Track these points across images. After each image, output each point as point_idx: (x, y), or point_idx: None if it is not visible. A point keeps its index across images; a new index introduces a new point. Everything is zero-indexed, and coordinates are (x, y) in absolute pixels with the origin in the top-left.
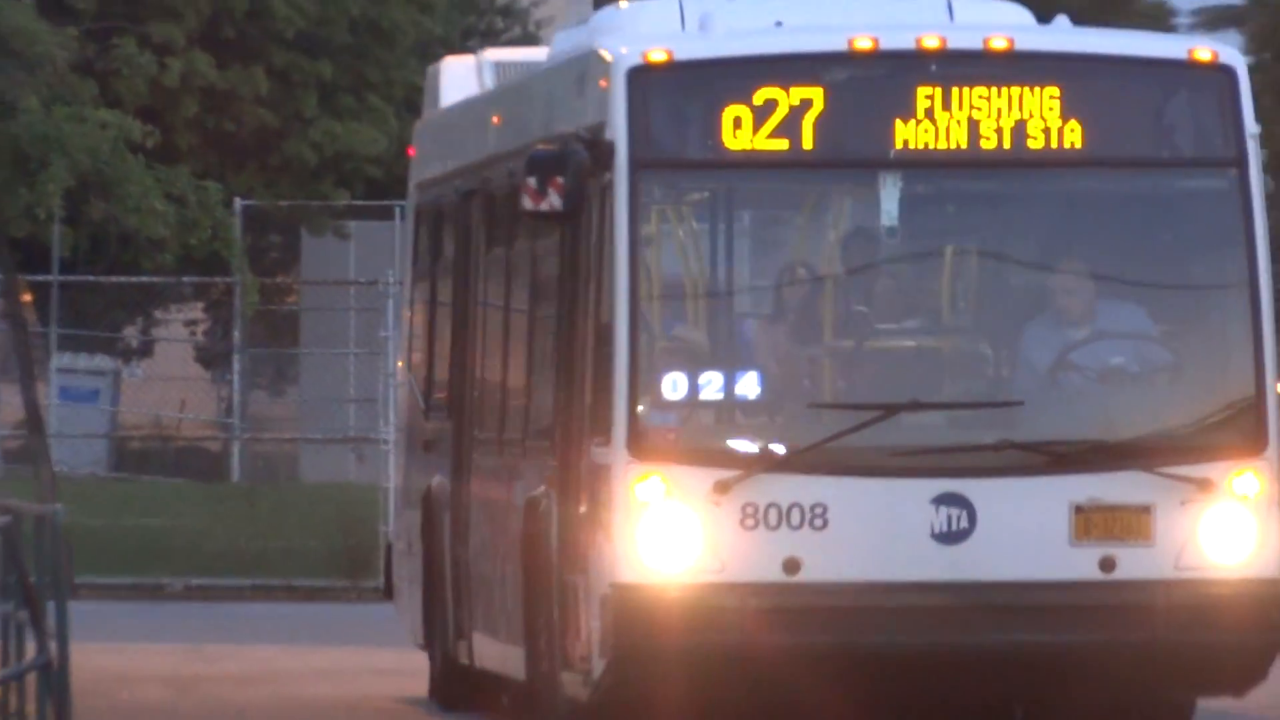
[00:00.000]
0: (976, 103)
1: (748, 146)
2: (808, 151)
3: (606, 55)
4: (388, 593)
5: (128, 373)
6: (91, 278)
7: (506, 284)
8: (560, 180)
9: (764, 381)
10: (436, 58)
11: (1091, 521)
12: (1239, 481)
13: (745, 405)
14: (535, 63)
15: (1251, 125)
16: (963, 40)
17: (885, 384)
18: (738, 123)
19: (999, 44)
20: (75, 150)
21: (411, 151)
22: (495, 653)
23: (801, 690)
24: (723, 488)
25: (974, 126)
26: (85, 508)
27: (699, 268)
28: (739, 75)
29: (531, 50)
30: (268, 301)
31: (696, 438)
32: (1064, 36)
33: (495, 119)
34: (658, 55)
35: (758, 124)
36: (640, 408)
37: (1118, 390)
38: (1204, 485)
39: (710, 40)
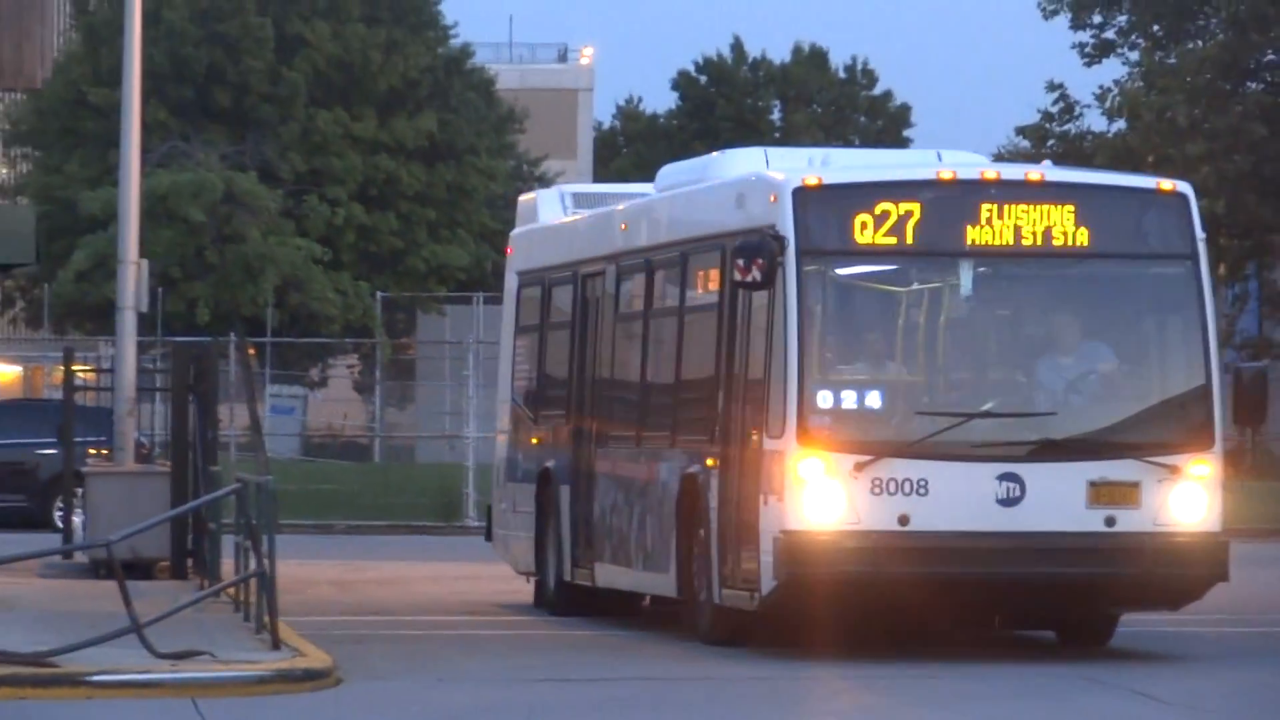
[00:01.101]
0: (1020, 214)
1: (870, 241)
2: (909, 245)
3: (777, 177)
4: (488, 536)
5: (312, 397)
6: (290, 339)
7: (643, 333)
8: (761, 261)
9: (884, 397)
10: (502, 207)
11: (1100, 492)
12: (1196, 468)
13: (873, 412)
14: (604, 194)
15: (1200, 232)
16: (1011, 174)
17: (965, 400)
18: (864, 225)
19: (1035, 176)
20: (281, 263)
21: (510, 251)
22: (628, 578)
23: (909, 603)
24: (859, 467)
25: (1018, 230)
26: (285, 478)
27: (839, 322)
28: (864, 194)
29: (601, 186)
30: (397, 354)
31: (841, 433)
32: (1077, 173)
33: (623, 226)
34: (813, 180)
35: (877, 226)
36: (805, 413)
37: (1116, 406)
38: (1174, 470)
39: (841, 171)
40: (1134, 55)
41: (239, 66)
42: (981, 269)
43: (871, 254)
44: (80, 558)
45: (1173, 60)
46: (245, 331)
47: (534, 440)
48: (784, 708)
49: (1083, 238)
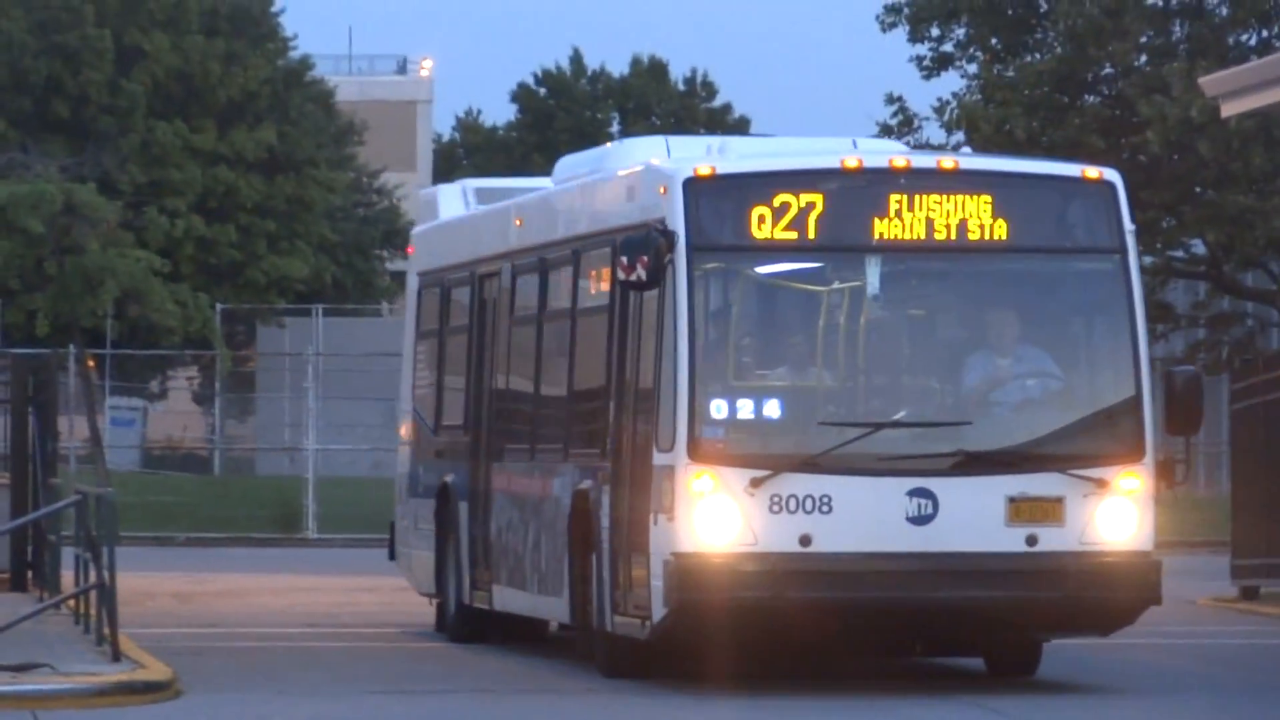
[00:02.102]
0: (932, 206)
1: (769, 236)
2: (812, 240)
3: (667, 169)
4: (391, 554)
5: (151, 409)
6: (129, 351)
7: (537, 337)
8: (646, 258)
9: (784, 406)
10: (341, 220)
11: (1020, 509)
12: (1125, 481)
13: (771, 424)
14: (508, 189)
15: (1129, 223)
16: (923, 161)
17: (872, 409)
18: (762, 218)
19: (948, 164)
20: (120, 275)
21: (411, 250)
22: (523, 601)
23: (811, 631)
24: (756, 483)
25: (930, 222)
26: (125, 490)
27: (734, 325)
28: (762, 184)
29: (504, 180)
30: (236, 366)
31: (736, 446)
32: (995, 160)
33: (517, 222)
34: (705, 169)
35: (776, 219)
36: (696, 425)
37: (1039, 415)
38: (1100, 484)
39: (739, 160)
40: (972, 68)
41: (78, 78)
42: (890, 266)
43: (770, 250)
44: None
45: (1011, 74)
46: (85, 343)
47: (434, 453)
48: None
49: (1001, 231)
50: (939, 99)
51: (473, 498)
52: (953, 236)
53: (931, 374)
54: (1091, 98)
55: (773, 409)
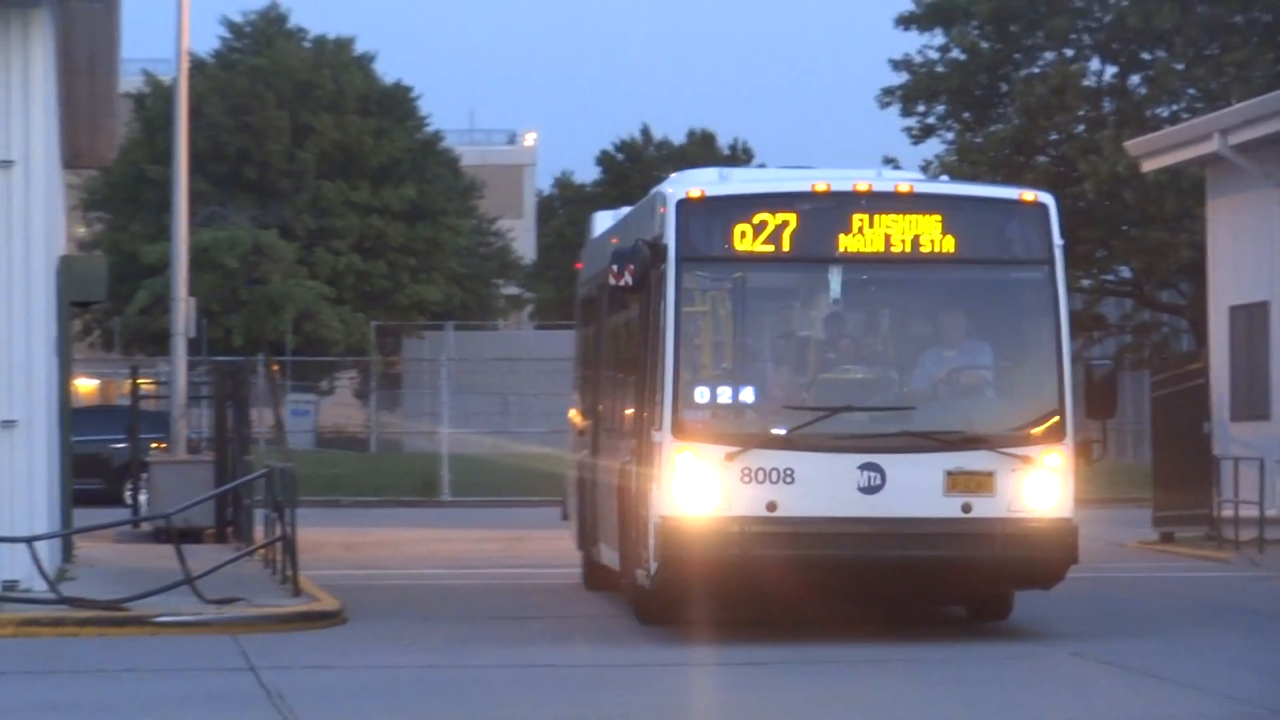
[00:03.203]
0: (889, 223)
1: (749, 248)
2: (785, 252)
3: (667, 192)
4: (564, 515)
5: (322, 402)
6: (304, 358)
7: (612, 339)
8: (632, 266)
9: (755, 392)
10: (466, 256)
11: (957, 481)
12: (1048, 458)
13: (743, 407)
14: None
15: (1058, 239)
16: (882, 186)
17: (829, 395)
18: (743, 234)
19: (904, 188)
20: (297, 300)
21: (579, 265)
22: (609, 555)
23: (776, 584)
24: (730, 457)
25: (888, 238)
26: (302, 465)
27: (717, 324)
28: (744, 205)
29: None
30: (387, 369)
31: (713, 427)
32: (945, 185)
33: (614, 240)
34: (695, 192)
35: (756, 234)
36: (679, 408)
37: (974, 401)
38: (1027, 460)
39: (727, 184)
40: (950, 135)
41: (263, 149)
42: (850, 274)
43: (749, 260)
44: (145, 527)
45: (979, 139)
46: (270, 352)
47: (578, 433)
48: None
49: (948, 245)
50: (924, 160)
51: (586, 470)
52: (907, 250)
53: (883, 367)
54: (1042, 158)
55: (745, 394)
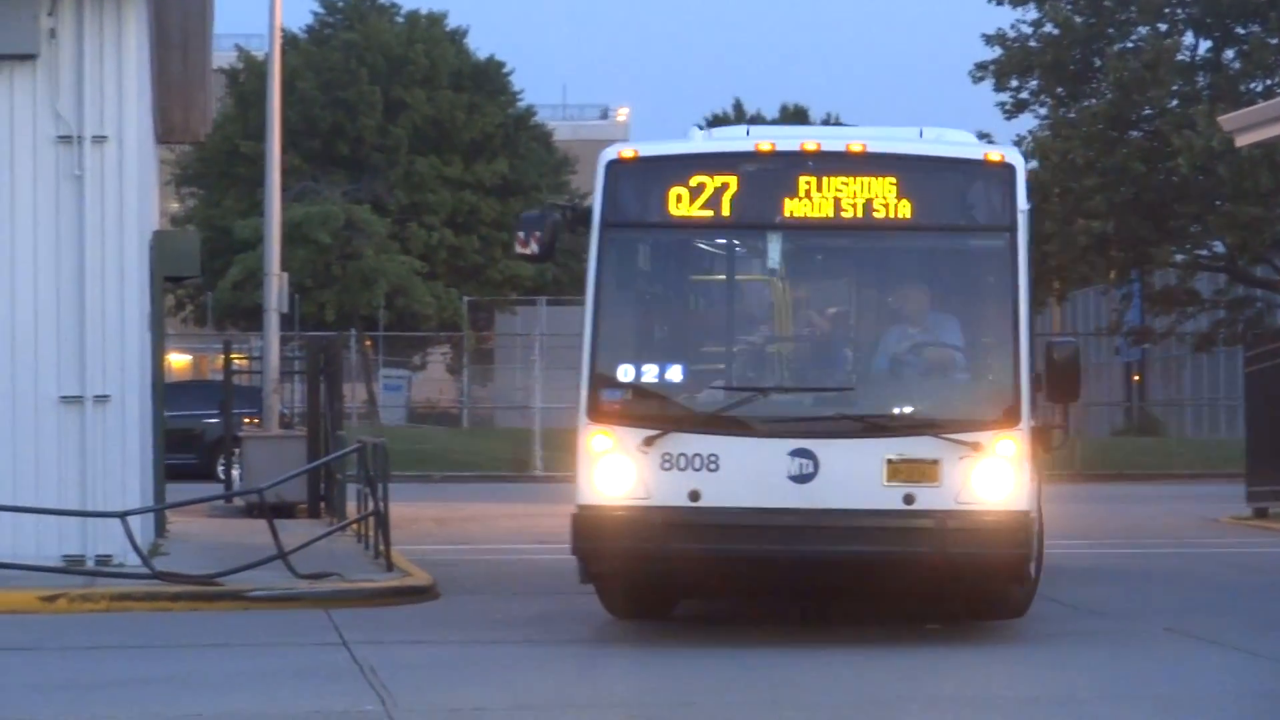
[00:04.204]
0: (838, 186)
1: (685, 213)
2: (724, 218)
3: (604, 152)
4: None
5: (414, 377)
6: (397, 333)
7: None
8: (538, 234)
9: (678, 371)
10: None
11: (898, 470)
12: (1000, 445)
13: (665, 387)
14: None
15: (1023, 203)
16: (832, 145)
17: (760, 375)
18: (679, 198)
19: (856, 147)
20: (389, 275)
21: None
22: None
23: (700, 580)
24: (649, 442)
25: (837, 202)
26: (394, 440)
27: (644, 296)
28: (680, 166)
29: None
30: (479, 344)
31: (632, 408)
32: (902, 143)
33: None
34: (628, 152)
35: (693, 198)
36: (597, 388)
37: (919, 382)
38: (975, 447)
39: (663, 144)
40: (1043, 111)
41: (355, 124)
42: (790, 242)
43: (683, 227)
44: (238, 502)
45: (1073, 115)
46: (362, 328)
47: None
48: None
49: (901, 209)
50: (1018, 135)
51: None
52: (855, 215)
53: (821, 343)
54: (1135, 133)
55: (669, 374)
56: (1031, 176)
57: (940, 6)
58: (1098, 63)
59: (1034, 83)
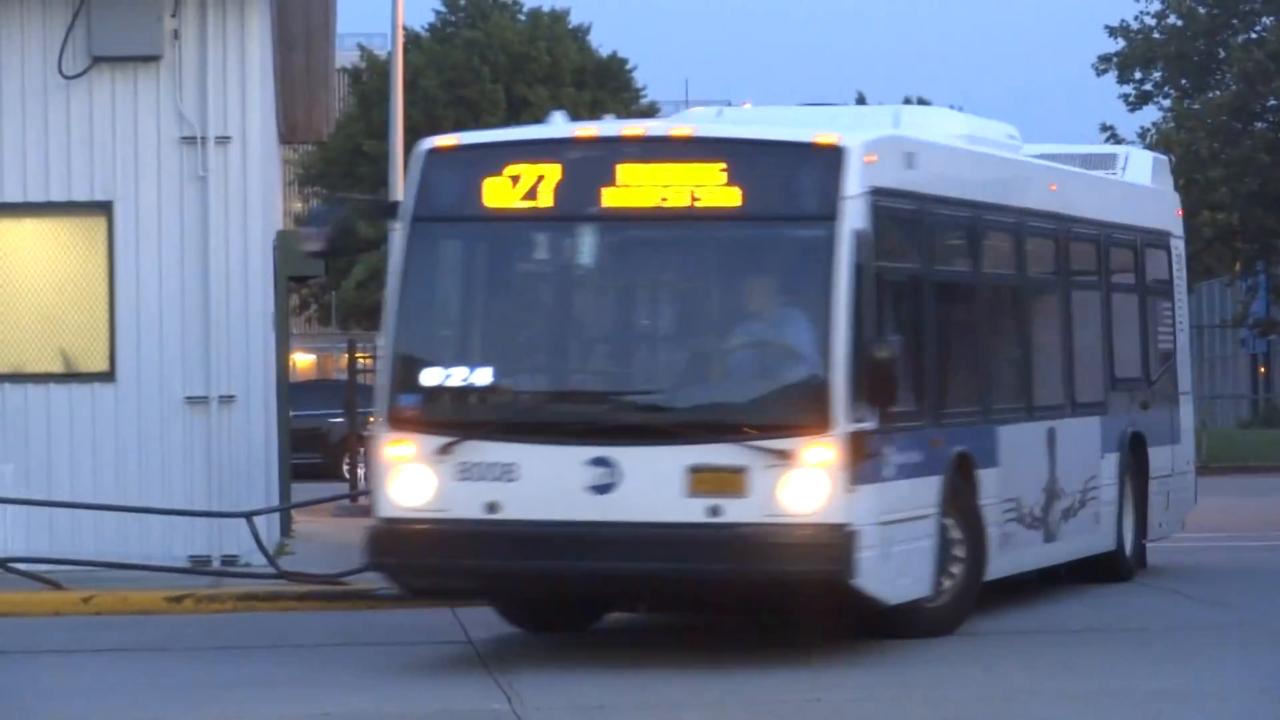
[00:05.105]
0: (664, 173)
1: (502, 205)
2: (541, 209)
3: (421, 143)
4: None
5: None
6: None
7: None
8: (316, 230)
9: (477, 374)
10: None
11: (702, 479)
12: (812, 452)
13: (464, 392)
14: None
15: (852, 190)
16: (657, 130)
17: (560, 378)
18: (496, 189)
19: (681, 132)
20: None
21: None
22: None
23: (497, 594)
24: (445, 450)
25: (658, 191)
26: None
27: (442, 293)
28: (497, 155)
29: None
30: None
31: (430, 414)
32: (730, 126)
33: None
34: (446, 142)
35: (511, 189)
36: (395, 392)
37: (726, 385)
38: (785, 455)
39: (485, 133)
40: (1167, 103)
41: (478, 122)
42: (605, 234)
43: (496, 220)
44: (363, 501)
45: (1197, 106)
46: None
47: None
48: None
49: (725, 198)
50: (1141, 127)
51: None
52: (677, 204)
53: (622, 343)
54: (1260, 124)
55: (468, 377)
56: None
57: None
58: (1221, 54)
59: (1157, 74)
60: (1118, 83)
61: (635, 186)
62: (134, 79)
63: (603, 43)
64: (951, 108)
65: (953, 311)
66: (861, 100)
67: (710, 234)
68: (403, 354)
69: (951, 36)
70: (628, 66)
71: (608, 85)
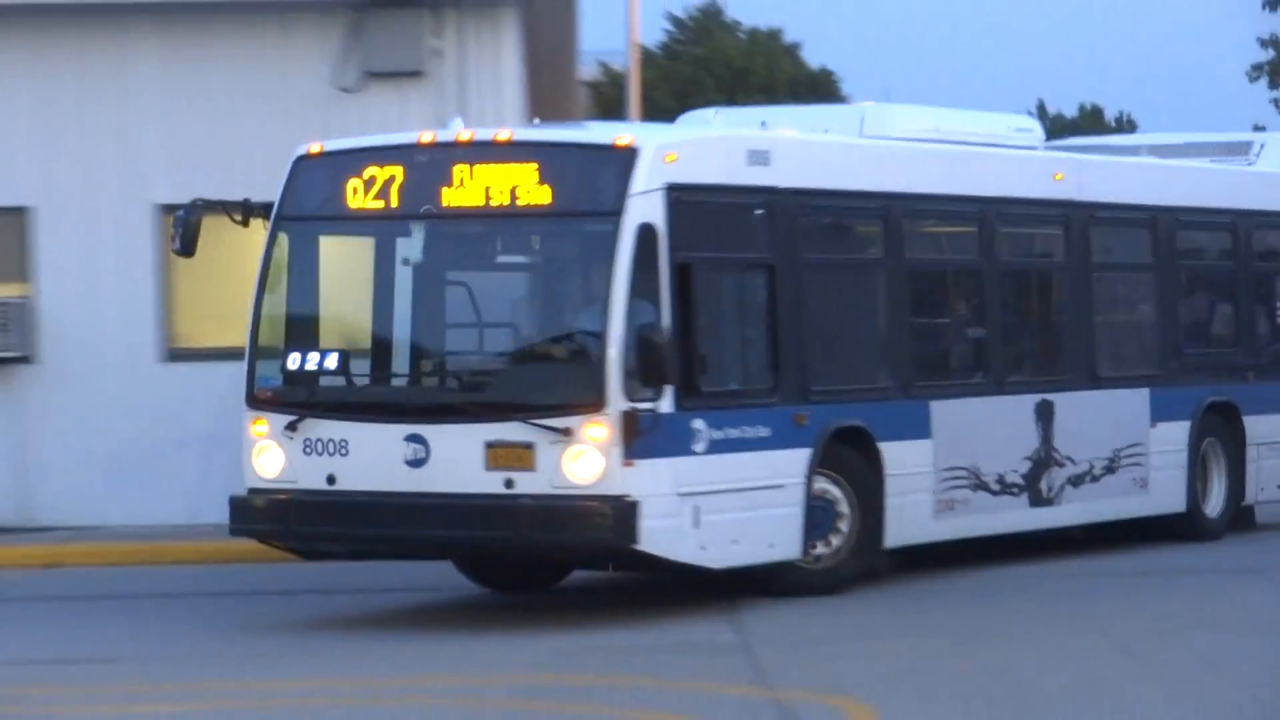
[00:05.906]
0: (488, 173)
1: (356, 206)
2: (383, 209)
3: (296, 150)
4: None
5: None
6: None
7: None
8: (177, 230)
9: (317, 359)
10: None
11: (498, 455)
12: (590, 430)
13: (306, 375)
14: None
15: (642, 186)
16: (484, 135)
17: (384, 361)
18: (354, 190)
19: (502, 137)
20: None
21: None
22: None
23: (341, 556)
24: (292, 428)
25: (488, 189)
26: None
27: (294, 286)
28: (353, 160)
29: None
30: None
31: (280, 396)
32: (546, 130)
33: None
34: (315, 148)
35: (365, 191)
36: (253, 376)
37: (515, 369)
38: (566, 432)
39: (354, 140)
40: None
41: None
42: (432, 230)
43: (348, 219)
44: None
45: None
46: None
47: None
48: None
49: (536, 196)
50: None
51: None
52: (496, 203)
53: (441, 331)
54: None
55: (310, 362)
56: None
57: (1220, 11)
58: None
59: None
60: (1269, 89)
61: (466, 187)
62: (402, 93)
63: (813, 57)
64: (1119, 116)
65: (840, 293)
66: (1041, 108)
67: (524, 229)
68: (260, 341)
69: (1128, 46)
70: (835, 78)
71: (818, 95)
